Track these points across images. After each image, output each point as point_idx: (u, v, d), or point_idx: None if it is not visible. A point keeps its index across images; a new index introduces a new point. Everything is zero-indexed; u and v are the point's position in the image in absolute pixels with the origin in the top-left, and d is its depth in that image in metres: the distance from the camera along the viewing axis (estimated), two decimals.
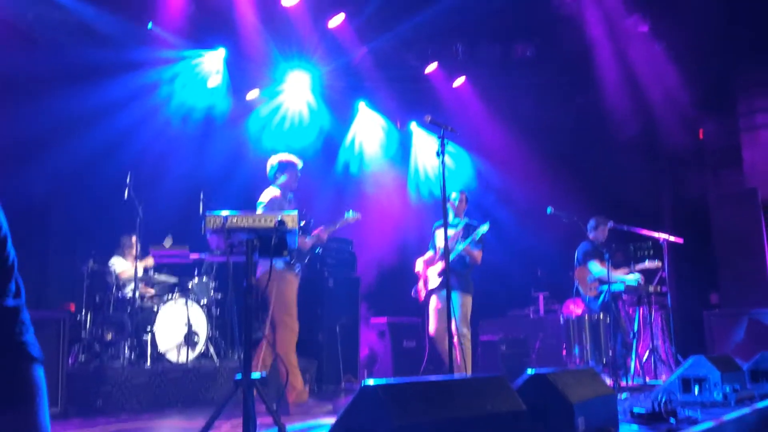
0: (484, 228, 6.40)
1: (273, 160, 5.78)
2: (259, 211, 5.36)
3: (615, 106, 9.66)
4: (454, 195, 6.73)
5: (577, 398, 3.28)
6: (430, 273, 6.71)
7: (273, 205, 5.43)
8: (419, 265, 6.80)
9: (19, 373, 1.12)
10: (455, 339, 6.31)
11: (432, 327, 6.60)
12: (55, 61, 6.77)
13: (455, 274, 6.34)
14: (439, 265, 6.58)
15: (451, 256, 6.36)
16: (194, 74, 8.54)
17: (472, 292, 6.57)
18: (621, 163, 9.90)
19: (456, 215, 6.75)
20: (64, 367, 5.26)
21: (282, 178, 5.71)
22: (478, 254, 6.50)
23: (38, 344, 1.19)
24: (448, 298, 4.67)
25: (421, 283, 6.78)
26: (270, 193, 5.54)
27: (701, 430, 3.79)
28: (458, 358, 6.46)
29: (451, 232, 6.55)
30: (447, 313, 4.59)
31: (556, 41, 9.37)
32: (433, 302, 6.61)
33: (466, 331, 6.48)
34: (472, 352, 6.68)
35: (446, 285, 4.68)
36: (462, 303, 6.47)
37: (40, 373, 1.16)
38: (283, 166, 5.76)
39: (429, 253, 6.82)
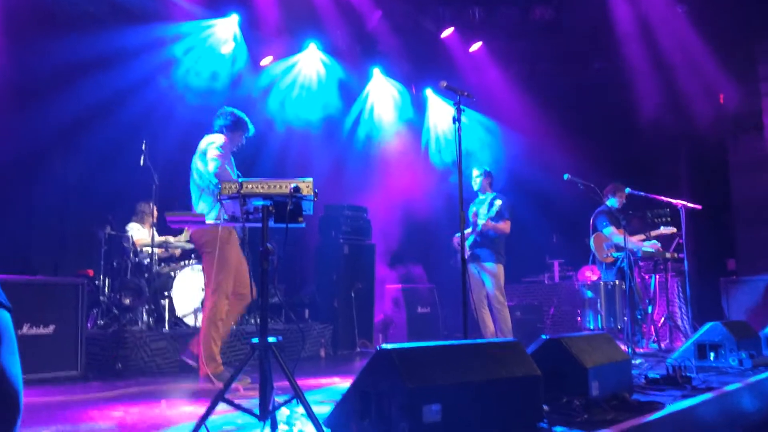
0: (497, 203, 6.57)
1: (231, 112, 5.21)
2: (212, 151, 4.83)
3: (634, 71, 9.49)
4: (475, 173, 6.89)
5: (592, 363, 3.29)
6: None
7: (226, 153, 4.94)
8: (456, 239, 6.90)
9: None
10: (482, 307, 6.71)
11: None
12: (73, 42, 6.72)
13: (487, 246, 6.77)
14: (470, 238, 6.81)
15: (478, 230, 6.77)
16: (209, 43, 8.48)
17: (504, 261, 6.83)
18: (639, 128, 9.77)
19: (482, 191, 6.87)
20: (84, 332, 5.35)
21: (232, 136, 5.15)
22: (503, 226, 6.75)
23: (3, 293, 1.20)
24: (464, 273, 4.62)
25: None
26: (221, 139, 5.01)
27: (716, 396, 3.79)
28: (490, 326, 6.59)
29: (480, 208, 6.93)
30: (463, 284, 4.56)
31: (576, 4, 9.18)
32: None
33: (502, 299, 6.68)
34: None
35: (461, 258, 4.64)
36: (495, 273, 6.76)
37: (4, 316, 1.16)
38: (240, 125, 5.19)
39: (469, 229, 6.91)
